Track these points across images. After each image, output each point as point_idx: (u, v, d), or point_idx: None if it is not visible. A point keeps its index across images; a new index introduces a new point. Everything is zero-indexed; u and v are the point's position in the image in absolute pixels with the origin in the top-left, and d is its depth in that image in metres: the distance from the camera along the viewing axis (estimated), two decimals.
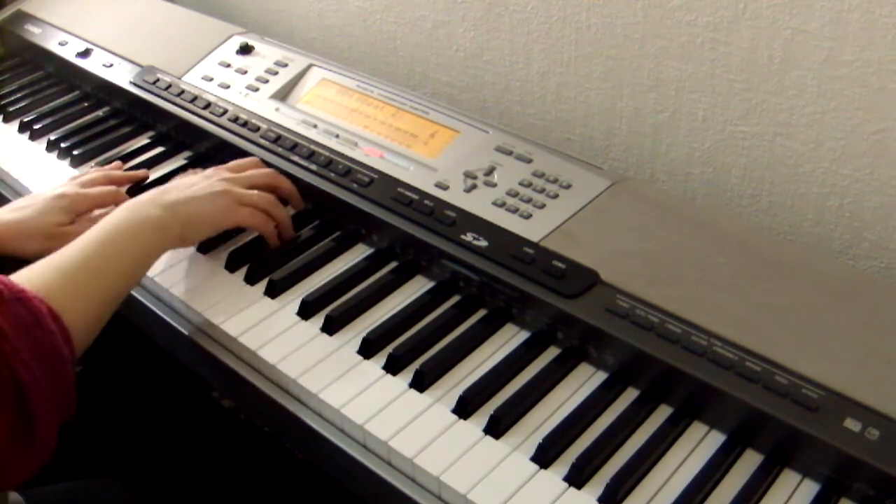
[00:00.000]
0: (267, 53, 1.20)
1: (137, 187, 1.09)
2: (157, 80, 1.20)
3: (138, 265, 0.84)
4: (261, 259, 0.94)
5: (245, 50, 1.22)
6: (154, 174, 1.11)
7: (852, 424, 0.67)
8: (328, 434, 0.78)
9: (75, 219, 0.98)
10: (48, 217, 0.97)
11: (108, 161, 1.14)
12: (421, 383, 0.79)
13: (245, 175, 0.96)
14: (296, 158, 1.03)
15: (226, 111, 1.12)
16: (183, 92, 1.17)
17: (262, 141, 1.06)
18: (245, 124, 1.09)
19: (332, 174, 1.00)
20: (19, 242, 0.95)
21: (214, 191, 0.91)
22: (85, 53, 1.31)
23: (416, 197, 0.94)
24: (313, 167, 1.01)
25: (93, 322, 0.77)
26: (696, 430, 0.75)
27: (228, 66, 1.20)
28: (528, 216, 0.90)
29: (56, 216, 0.97)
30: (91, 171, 1.08)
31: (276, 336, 0.85)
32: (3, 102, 1.32)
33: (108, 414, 1.05)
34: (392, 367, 0.81)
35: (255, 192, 0.94)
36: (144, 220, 0.85)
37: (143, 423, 1.16)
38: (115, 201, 1.00)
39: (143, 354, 0.84)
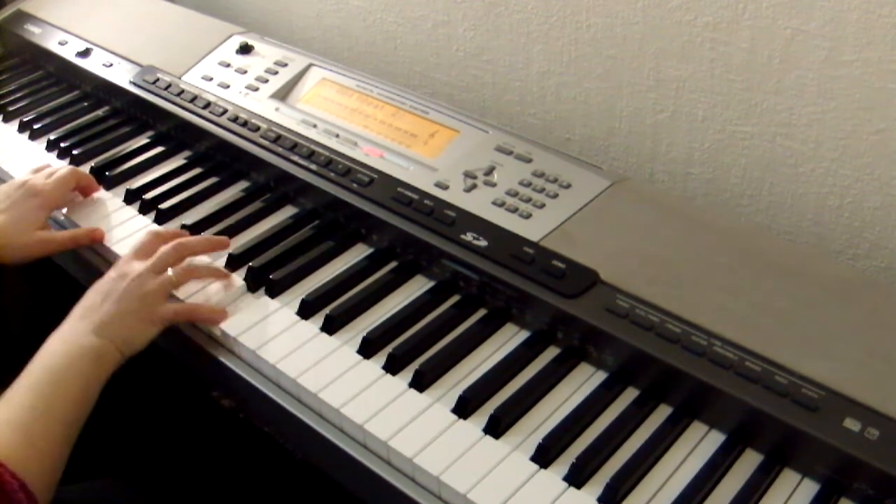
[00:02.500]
0: (267, 53, 1.20)
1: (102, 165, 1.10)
2: (157, 79, 1.20)
3: (85, 399, 0.80)
4: (261, 259, 0.94)
5: (245, 50, 1.22)
6: (154, 174, 1.11)
7: (852, 424, 0.67)
8: (328, 434, 0.78)
9: (50, 215, 1.01)
10: (29, 217, 0.98)
11: (108, 161, 1.14)
12: (421, 383, 0.79)
13: (156, 259, 0.90)
14: (296, 158, 1.03)
15: (225, 111, 1.12)
16: (183, 91, 1.17)
17: (262, 141, 1.06)
18: (245, 124, 1.09)
19: (332, 174, 1.00)
20: (8, 252, 0.96)
21: (138, 294, 0.86)
22: (85, 53, 1.31)
23: (415, 197, 0.94)
24: (313, 167, 1.01)
25: (53, 472, 0.76)
26: (696, 429, 0.75)
27: (228, 65, 1.20)
28: (528, 216, 0.90)
29: (32, 215, 0.98)
30: (46, 168, 1.08)
31: (275, 336, 0.85)
32: (3, 102, 1.32)
33: (108, 414, 1.05)
34: (392, 367, 0.81)
35: (170, 273, 0.89)
36: (80, 352, 0.81)
37: (143, 423, 1.16)
38: (77, 180, 1.05)
39: (143, 354, 0.84)
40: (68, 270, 1.08)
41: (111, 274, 0.88)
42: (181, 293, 0.91)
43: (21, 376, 0.79)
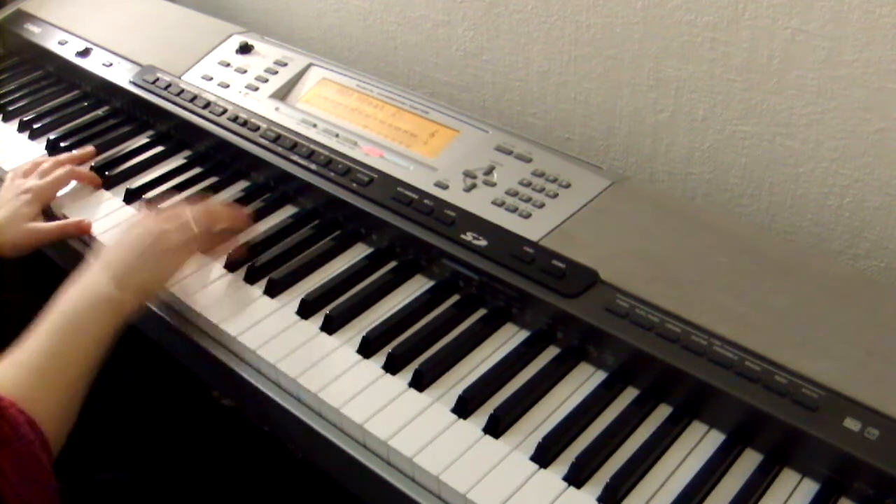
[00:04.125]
0: (267, 53, 1.20)
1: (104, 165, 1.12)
2: (157, 79, 1.20)
3: (100, 346, 0.82)
4: (261, 259, 0.94)
5: (245, 49, 1.22)
6: (154, 174, 1.11)
7: (852, 424, 0.67)
8: (328, 434, 0.78)
9: (41, 209, 1.03)
10: (21, 212, 1.01)
11: (108, 160, 1.14)
12: (420, 383, 0.79)
13: (183, 219, 0.91)
14: (295, 158, 1.03)
15: (225, 110, 1.12)
16: (182, 91, 1.17)
17: (262, 140, 1.06)
18: (245, 124, 1.09)
19: (332, 174, 1.00)
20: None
21: (163, 248, 0.87)
22: (84, 53, 1.31)
23: (415, 196, 0.94)
24: (313, 167, 1.01)
25: (65, 417, 0.77)
26: (696, 429, 0.75)
27: (228, 65, 1.20)
28: (528, 216, 0.90)
29: (24, 210, 1.02)
30: (32, 161, 1.12)
31: (275, 335, 0.85)
32: (3, 102, 1.32)
33: (107, 413, 1.04)
34: (391, 367, 0.81)
35: (192, 225, 0.90)
36: (98, 299, 0.82)
37: (143, 421, 1.16)
38: (75, 178, 1.08)
39: (143, 354, 0.84)
40: (62, 265, 1.09)
41: (135, 230, 0.90)
42: (191, 267, 0.92)
43: (39, 322, 0.80)
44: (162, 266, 0.88)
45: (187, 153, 1.15)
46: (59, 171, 1.07)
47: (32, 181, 1.06)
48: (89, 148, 1.15)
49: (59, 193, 1.08)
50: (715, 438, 0.74)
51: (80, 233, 1.03)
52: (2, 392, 0.72)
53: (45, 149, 1.20)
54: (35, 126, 1.23)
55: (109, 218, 1.04)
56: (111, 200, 1.08)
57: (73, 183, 1.10)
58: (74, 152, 1.14)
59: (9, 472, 0.66)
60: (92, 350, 0.81)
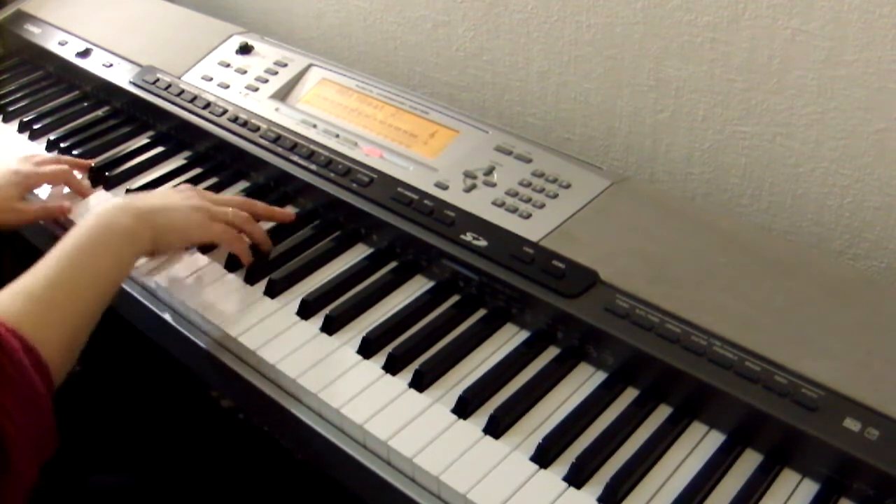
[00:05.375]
0: (267, 53, 1.20)
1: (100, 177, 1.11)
2: (157, 79, 1.20)
3: (111, 278, 0.81)
4: (260, 259, 0.94)
5: (245, 50, 1.22)
6: (154, 174, 1.11)
7: (852, 424, 0.67)
8: (328, 434, 0.78)
9: (25, 194, 1.04)
10: (3, 191, 1.01)
11: (108, 161, 1.14)
12: (420, 383, 0.79)
13: (221, 197, 0.96)
14: (295, 158, 1.03)
15: (225, 111, 1.12)
16: (182, 92, 1.17)
17: (262, 141, 1.06)
18: (245, 124, 1.09)
19: (332, 174, 1.00)
20: None
21: (189, 204, 0.90)
22: (85, 53, 1.31)
23: (415, 197, 0.94)
24: (313, 167, 1.01)
25: (70, 346, 0.76)
26: (696, 429, 0.75)
27: (228, 65, 1.20)
28: (528, 216, 0.90)
29: (9, 189, 1.02)
30: (40, 155, 1.12)
31: (275, 336, 0.85)
32: (3, 102, 1.32)
33: (106, 413, 1.05)
34: (392, 367, 0.81)
35: (230, 209, 0.93)
36: (114, 228, 0.82)
37: (142, 422, 1.16)
38: (66, 181, 1.07)
39: (142, 353, 0.84)
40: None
41: (174, 190, 0.91)
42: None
43: (52, 248, 0.79)
44: (184, 217, 0.88)
45: (187, 154, 1.15)
46: (55, 167, 1.08)
47: (26, 166, 1.07)
48: (88, 162, 1.13)
49: (61, 192, 1.08)
50: (715, 439, 0.74)
51: (61, 214, 1.04)
52: (4, 318, 0.70)
53: (46, 149, 1.20)
54: (35, 126, 1.23)
55: None
56: (111, 201, 1.08)
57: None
58: (76, 159, 1.13)
59: (2, 398, 0.65)
60: (103, 283, 0.79)
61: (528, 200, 0.92)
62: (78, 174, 1.10)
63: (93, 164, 1.12)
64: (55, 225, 1.06)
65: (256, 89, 1.15)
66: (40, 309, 0.74)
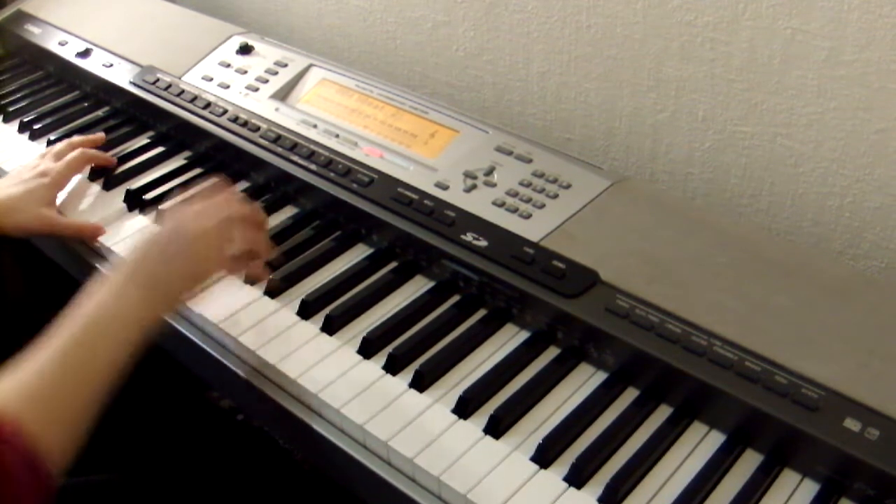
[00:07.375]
0: (267, 53, 1.20)
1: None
2: (157, 80, 1.20)
3: (117, 367, 0.73)
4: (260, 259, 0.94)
5: (245, 50, 1.22)
6: (154, 174, 1.11)
7: (852, 424, 0.67)
8: (328, 434, 0.78)
9: (56, 194, 1.04)
10: (37, 195, 1.01)
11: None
12: (421, 383, 0.79)
13: (226, 227, 0.84)
14: (296, 158, 1.03)
15: (226, 111, 1.12)
16: (183, 92, 1.17)
17: (262, 141, 1.06)
18: (245, 124, 1.09)
19: (332, 174, 1.00)
20: (11, 218, 0.99)
21: (191, 250, 0.81)
22: (85, 53, 1.31)
23: (415, 197, 0.94)
24: (313, 167, 1.01)
25: (71, 446, 0.69)
26: (696, 430, 0.75)
27: (228, 66, 1.20)
28: (528, 216, 0.90)
29: (44, 192, 1.02)
30: (52, 147, 1.12)
31: (275, 336, 0.85)
32: (3, 102, 1.32)
33: (105, 413, 1.04)
34: (392, 367, 0.81)
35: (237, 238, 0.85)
36: (124, 305, 0.75)
37: (141, 422, 1.16)
38: (89, 160, 1.10)
39: (141, 353, 0.84)
40: (60, 263, 1.09)
41: (168, 225, 0.82)
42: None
43: (50, 336, 0.72)
44: (194, 273, 0.82)
45: (188, 154, 1.15)
46: (74, 154, 1.08)
47: (48, 163, 1.06)
48: (100, 134, 1.16)
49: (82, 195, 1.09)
50: (715, 439, 0.74)
51: (94, 238, 1.00)
52: (4, 417, 0.65)
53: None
54: (35, 127, 1.23)
55: (108, 218, 1.04)
56: (111, 201, 1.08)
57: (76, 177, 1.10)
58: (85, 136, 1.14)
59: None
60: (107, 372, 0.73)
61: (529, 200, 0.92)
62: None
63: (103, 136, 1.15)
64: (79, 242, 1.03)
65: (256, 89, 1.15)
66: (44, 409, 0.68)
